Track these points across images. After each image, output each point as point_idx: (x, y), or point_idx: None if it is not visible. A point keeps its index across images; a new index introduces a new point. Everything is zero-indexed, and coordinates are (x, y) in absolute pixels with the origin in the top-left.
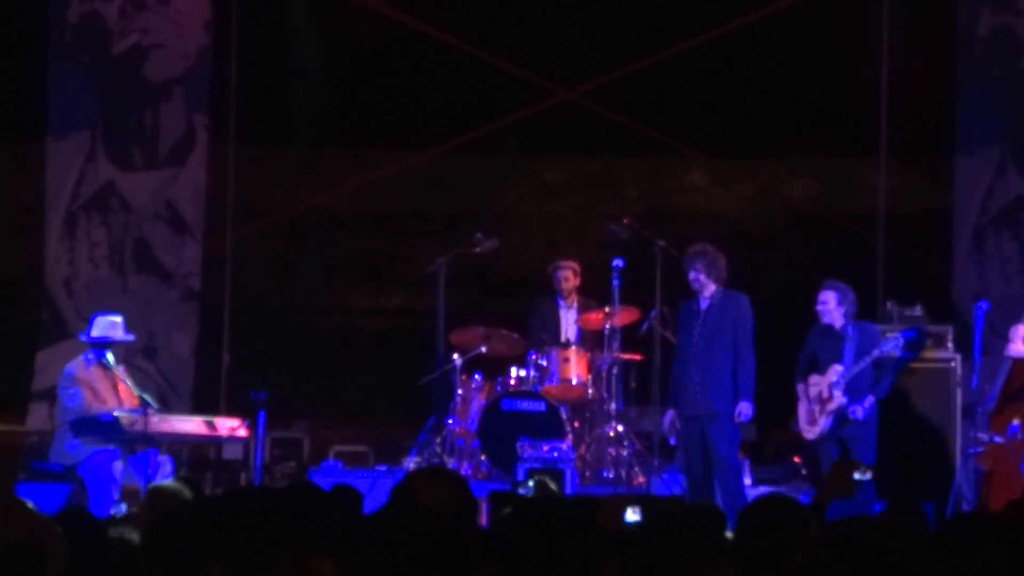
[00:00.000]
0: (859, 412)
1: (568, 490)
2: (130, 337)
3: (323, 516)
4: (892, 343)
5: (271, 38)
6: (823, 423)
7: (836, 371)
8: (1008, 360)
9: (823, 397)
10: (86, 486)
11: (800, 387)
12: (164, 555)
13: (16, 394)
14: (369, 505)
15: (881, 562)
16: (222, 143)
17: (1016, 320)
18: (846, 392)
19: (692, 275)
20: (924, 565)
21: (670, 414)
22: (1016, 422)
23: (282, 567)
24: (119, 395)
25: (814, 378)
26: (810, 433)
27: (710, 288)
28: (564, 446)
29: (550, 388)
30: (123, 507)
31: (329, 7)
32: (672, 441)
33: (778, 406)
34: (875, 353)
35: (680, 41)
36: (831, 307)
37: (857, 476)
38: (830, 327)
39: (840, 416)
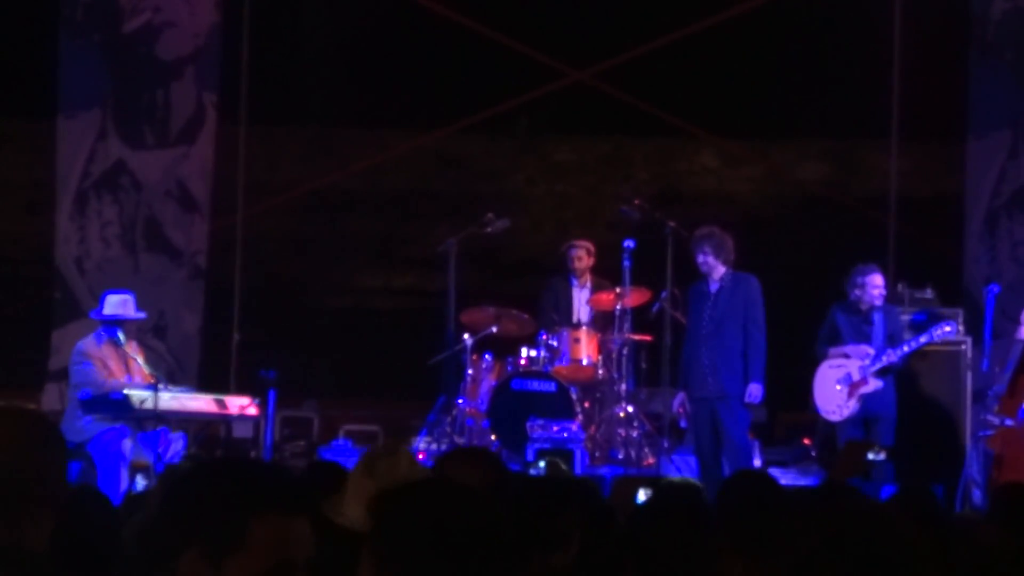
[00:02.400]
0: (894, 356)
1: (578, 470)
2: (141, 315)
3: (293, 477)
4: (945, 329)
5: (282, 17)
6: (852, 406)
7: (868, 354)
8: (1019, 343)
9: (854, 380)
10: (95, 463)
11: (823, 366)
12: (153, 535)
13: (31, 373)
14: None
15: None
16: (233, 122)
17: None
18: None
19: (701, 258)
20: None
21: (679, 396)
22: None
23: (255, 534)
24: (130, 373)
25: (839, 359)
26: (835, 415)
27: (719, 270)
28: (574, 427)
29: (560, 368)
30: (139, 482)
31: None
32: (682, 423)
33: (789, 388)
34: (922, 340)
35: (692, 22)
36: (882, 290)
37: (871, 456)
38: (859, 309)
39: (866, 398)
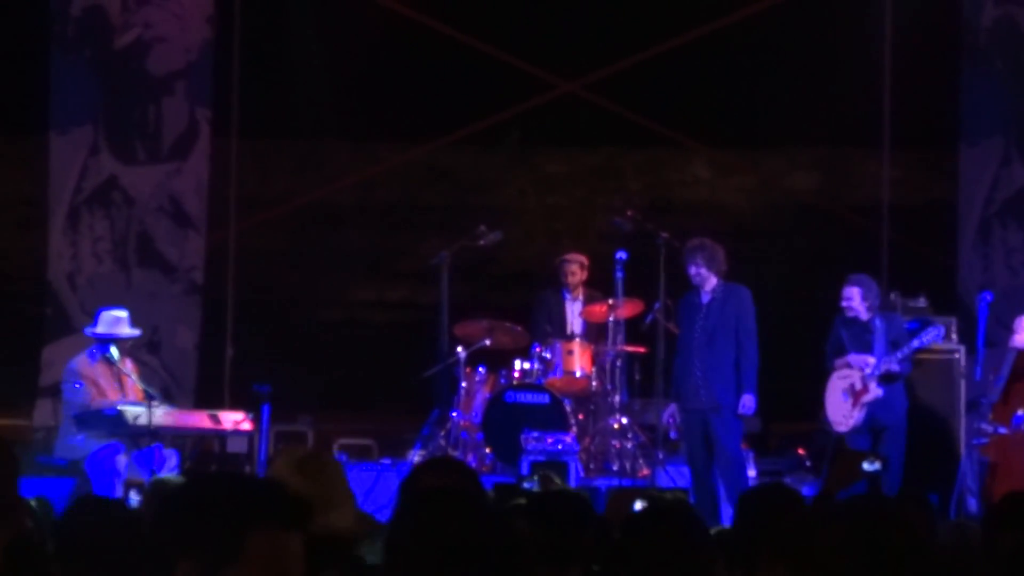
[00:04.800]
0: (892, 363)
1: (572, 482)
2: (136, 332)
3: (290, 493)
4: (934, 333)
5: (273, 31)
6: (857, 416)
7: (868, 363)
8: (1013, 351)
9: (856, 389)
10: (90, 480)
11: (832, 378)
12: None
13: (22, 389)
14: (372, 497)
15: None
16: (224, 136)
17: (1022, 311)
18: (880, 383)
19: (693, 270)
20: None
21: (670, 408)
22: (1020, 413)
23: (252, 547)
24: (124, 389)
25: (844, 371)
26: (842, 426)
27: (711, 281)
28: (568, 438)
29: (554, 380)
30: (133, 499)
31: (331, 0)
32: (673, 435)
33: (782, 398)
34: (915, 344)
35: (682, 33)
36: (856, 303)
37: (866, 466)
38: (857, 319)
39: (872, 408)
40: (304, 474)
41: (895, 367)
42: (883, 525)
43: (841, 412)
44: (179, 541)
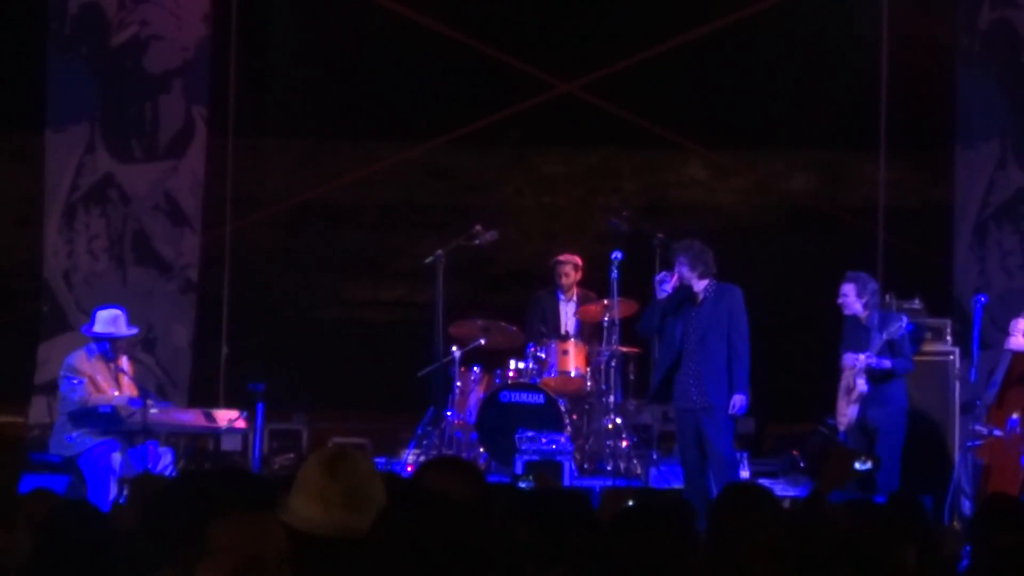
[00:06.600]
0: (885, 363)
1: (566, 482)
2: (133, 331)
3: (250, 478)
4: (897, 324)
5: (270, 30)
6: (850, 413)
7: (859, 360)
8: (1008, 353)
9: (849, 387)
10: (85, 477)
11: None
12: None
13: (18, 386)
14: None
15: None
16: (221, 135)
17: (1017, 314)
18: (869, 381)
19: (677, 269)
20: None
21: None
22: (1015, 415)
23: (215, 538)
24: (120, 387)
25: (847, 369)
26: (842, 424)
27: (701, 282)
28: (562, 438)
29: (549, 380)
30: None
31: None
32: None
33: (776, 399)
34: (883, 336)
35: (679, 34)
36: (851, 299)
37: (858, 466)
38: (856, 317)
39: (864, 404)
40: (332, 474)
41: (874, 364)
42: (814, 528)
43: (841, 411)
44: (154, 552)
